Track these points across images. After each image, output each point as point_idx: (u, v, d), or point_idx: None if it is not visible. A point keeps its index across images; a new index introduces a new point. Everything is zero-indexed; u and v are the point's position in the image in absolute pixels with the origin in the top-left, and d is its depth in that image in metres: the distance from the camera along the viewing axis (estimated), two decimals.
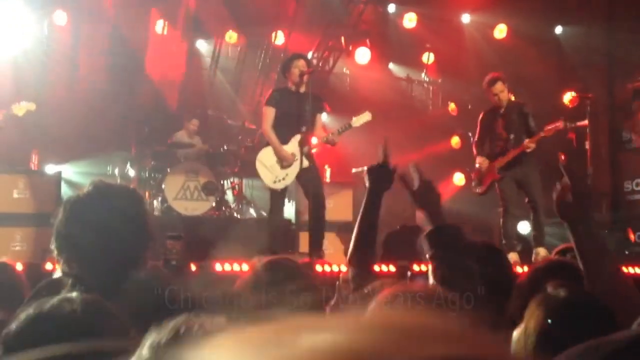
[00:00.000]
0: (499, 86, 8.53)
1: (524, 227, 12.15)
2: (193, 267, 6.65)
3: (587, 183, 2.63)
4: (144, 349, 1.35)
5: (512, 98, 8.82)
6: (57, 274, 2.93)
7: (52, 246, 2.38)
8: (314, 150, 8.11)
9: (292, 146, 7.87)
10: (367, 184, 3.21)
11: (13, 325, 1.71)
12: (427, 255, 2.99)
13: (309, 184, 7.92)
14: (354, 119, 8.27)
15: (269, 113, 7.95)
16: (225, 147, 10.78)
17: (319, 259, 7.53)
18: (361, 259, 3.02)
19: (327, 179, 10.59)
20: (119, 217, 2.33)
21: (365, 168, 3.27)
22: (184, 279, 3.24)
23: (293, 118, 7.84)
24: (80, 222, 2.32)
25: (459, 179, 13.19)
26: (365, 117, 8.27)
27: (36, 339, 1.61)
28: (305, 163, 7.82)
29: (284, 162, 7.85)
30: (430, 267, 2.96)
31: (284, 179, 7.90)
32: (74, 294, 1.73)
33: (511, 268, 3.31)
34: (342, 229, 9.31)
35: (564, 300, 2.32)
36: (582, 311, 2.28)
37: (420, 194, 3.06)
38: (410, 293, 1.68)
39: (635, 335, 1.08)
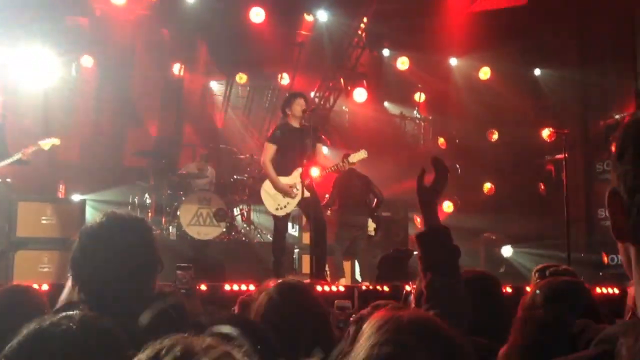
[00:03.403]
0: None
1: (506, 251, 12.10)
2: (204, 287, 6.58)
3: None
4: None
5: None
6: (64, 293, 2.86)
7: (69, 273, 2.35)
8: (314, 180, 8.07)
9: (294, 178, 7.83)
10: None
11: (15, 340, 1.63)
12: (417, 256, 2.67)
13: (311, 212, 7.87)
14: (351, 155, 8.26)
15: (269, 149, 7.91)
16: (235, 177, 10.77)
17: (322, 280, 7.46)
18: None
19: None
20: (129, 246, 2.29)
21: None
22: (193, 303, 3.17)
23: (295, 152, 7.79)
24: (94, 251, 2.29)
25: (447, 206, 13.15)
26: (361, 154, 8.29)
27: (35, 354, 1.57)
28: (306, 193, 7.78)
29: (282, 193, 7.83)
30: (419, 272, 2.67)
31: (285, 206, 7.86)
32: (74, 312, 1.67)
33: (501, 295, 3.19)
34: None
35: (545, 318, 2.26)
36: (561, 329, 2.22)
37: (424, 191, 2.66)
38: (398, 320, 1.59)
39: (596, 353, 1.04)
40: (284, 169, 7.86)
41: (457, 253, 2.68)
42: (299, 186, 7.75)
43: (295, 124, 7.91)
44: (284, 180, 7.86)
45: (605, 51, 12.22)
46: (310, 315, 2.71)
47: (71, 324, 1.59)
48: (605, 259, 10.62)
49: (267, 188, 7.93)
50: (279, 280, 2.87)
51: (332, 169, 8.10)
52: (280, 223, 8.00)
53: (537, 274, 4.06)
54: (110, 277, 2.24)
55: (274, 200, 7.86)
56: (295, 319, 2.62)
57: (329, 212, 9.76)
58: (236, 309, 3.61)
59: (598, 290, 7.77)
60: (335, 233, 9.24)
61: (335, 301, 3.24)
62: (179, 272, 2.95)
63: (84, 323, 1.61)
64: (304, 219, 9.71)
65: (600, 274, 10.19)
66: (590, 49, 12.74)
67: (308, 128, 7.80)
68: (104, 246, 2.28)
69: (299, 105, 7.85)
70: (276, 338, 2.25)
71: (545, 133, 11.16)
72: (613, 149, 1.11)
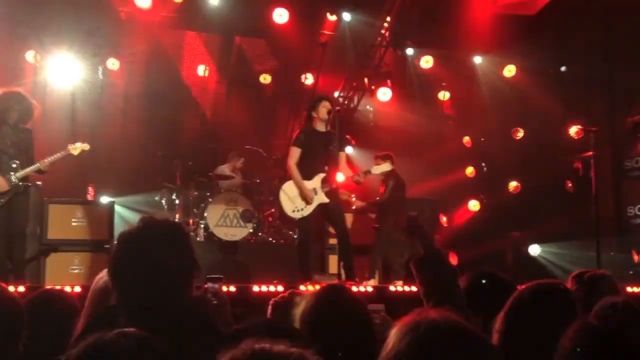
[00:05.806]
0: None
1: (534, 250, 12.00)
2: (233, 289, 6.61)
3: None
4: None
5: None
6: None
7: (108, 277, 2.36)
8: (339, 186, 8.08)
9: (315, 182, 7.82)
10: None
11: (73, 352, 1.67)
12: (417, 280, 3.04)
13: (334, 220, 7.94)
14: (374, 167, 8.36)
15: (295, 152, 7.89)
16: (261, 178, 10.81)
17: (353, 282, 7.47)
18: None
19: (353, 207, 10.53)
20: (166, 251, 2.29)
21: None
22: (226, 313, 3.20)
23: (318, 157, 7.79)
24: (131, 258, 2.29)
25: (473, 205, 13.07)
26: (385, 167, 8.39)
27: None
28: (326, 199, 7.77)
29: (305, 198, 7.81)
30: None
31: (302, 209, 7.83)
32: (131, 330, 1.71)
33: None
34: (363, 252, 9.29)
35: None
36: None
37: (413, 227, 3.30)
38: (429, 321, 1.64)
39: None
40: (305, 173, 7.83)
41: (456, 273, 3.04)
42: (319, 191, 7.76)
43: (320, 127, 7.89)
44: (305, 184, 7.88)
45: (632, 47, 12.06)
46: (357, 319, 2.71)
47: (129, 343, 1.64)
48: (636, 258, 10.50)
49: (286, 190, 7.93)
50: (327, 283, 2.92)
51: (353, 179, 7.98)
52: (304, 224, 7.99)
53: (575, 280, 3.93)
54: (149, 284, 2.25)
55: (292, 203, 7.86)
56: (342, 324, 2.63)
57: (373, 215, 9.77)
58: (269, 311, 3.62)
59: (629, 289, 7.68)
60: (375, 233, 9.34)
61: (368, 305, 3.22)
62: (209, 284, 2.93)
63: (139, 341, 1.66)
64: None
65: (631, 272, 10.07)
66: (616, 45, 12.59)
67: (333, 133, 7.79)
68: (141, 253, 2.29)
69: (324, 108, 7.83)
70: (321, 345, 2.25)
71: (573, 130, 11.03)
72: None
